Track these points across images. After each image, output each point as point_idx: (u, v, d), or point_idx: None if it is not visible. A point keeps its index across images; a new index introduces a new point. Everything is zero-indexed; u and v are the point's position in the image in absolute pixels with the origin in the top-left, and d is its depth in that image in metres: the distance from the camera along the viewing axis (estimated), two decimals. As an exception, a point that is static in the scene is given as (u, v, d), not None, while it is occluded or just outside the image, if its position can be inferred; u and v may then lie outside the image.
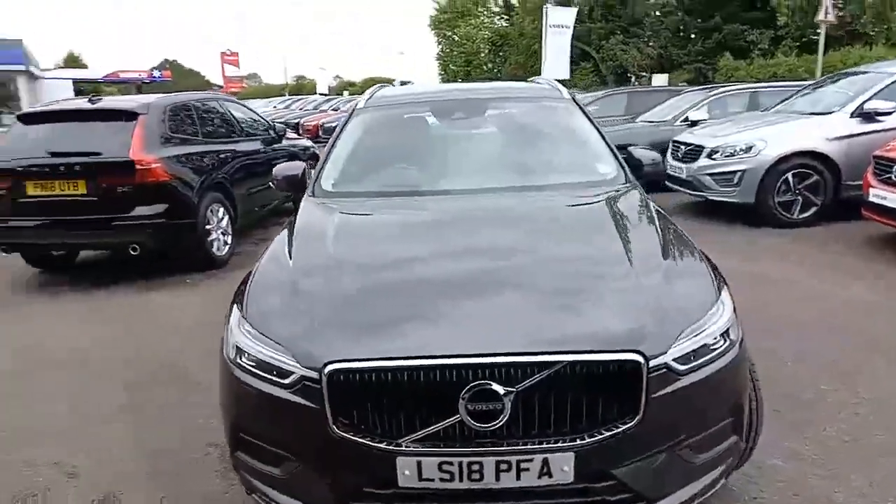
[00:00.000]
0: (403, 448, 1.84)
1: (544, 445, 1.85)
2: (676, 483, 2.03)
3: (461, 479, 1.88)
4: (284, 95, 41.39)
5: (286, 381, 1.93)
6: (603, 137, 3.36)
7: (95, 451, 3.01)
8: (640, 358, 1.85)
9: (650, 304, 2.04)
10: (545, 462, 1.86)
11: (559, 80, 4.09)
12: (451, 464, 1.85)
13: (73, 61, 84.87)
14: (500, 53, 39.50)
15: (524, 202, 2.93)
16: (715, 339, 2.05)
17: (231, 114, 7.21)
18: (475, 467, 1.86)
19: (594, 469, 1.92)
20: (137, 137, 5.45)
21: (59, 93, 38.90)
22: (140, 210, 5.39)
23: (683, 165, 7.35)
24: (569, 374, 1.84)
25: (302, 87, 61.50)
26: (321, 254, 2.43)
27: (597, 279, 2.21)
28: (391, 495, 1.93)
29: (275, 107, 28.45)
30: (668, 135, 8.40)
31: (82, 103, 5.92)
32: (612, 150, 3.28)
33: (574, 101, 3.59)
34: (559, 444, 1.85)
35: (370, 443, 1.85)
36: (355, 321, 2.03)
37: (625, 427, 1.87)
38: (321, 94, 37.43)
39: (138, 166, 5.32)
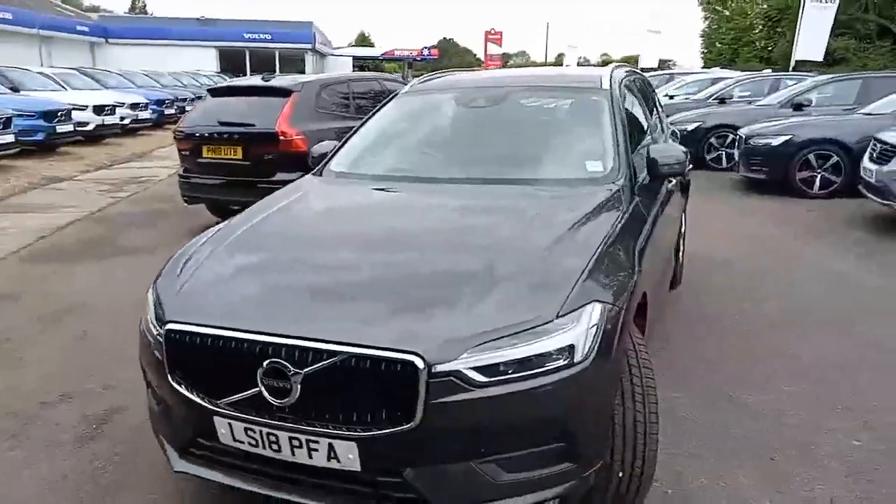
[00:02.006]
0: (219, 409, 2.03)
1: (329, 430, 1.91)
2: (473, 497, 1.94)
3: (264, 447, 2.03)
4: None
5: (153, 335, 2.22)
6: (620, 134, 3.07)
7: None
8: (418, 361, 1.81)
9: (463, 310, 1.95)
10: (331, 446, 1.93)
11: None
12: (254, 431, 2.01)
13: (362, 40, 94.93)
14: (778, 30, 35.41)
15: (483, 197, 2.86)
16: (542, 355, 1.89)
17: (389, 93, 7.73)
18: (273, 438, 1.99)
19: (382, 464, 1.94)
20: (286, 112, 6.19)
21: (340, 68, 44.14)
22: (280, 175, 6.11)
23: (874, 167, 6.18)
24: (353, 366, 1.87)
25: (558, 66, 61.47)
26: (240, 228, 2.67)
27: (445, 281, 2.13)
28: (215, 449, 2.14)
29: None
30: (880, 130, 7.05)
31: (255, 80, 6.85)
32: (618, 148, 3.01)
33: (611, 93, 3.32)
34: (342, 433, 1.90)
35: (194, 398, 2.07)
36: (207, 291, 2.24)
37: (400, 428, 1.85)
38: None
39: (281, 137, 6.07)
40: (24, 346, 4.03)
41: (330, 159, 3.43)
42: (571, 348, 1.93)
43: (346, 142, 3.54)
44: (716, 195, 8.87)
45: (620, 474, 2.19)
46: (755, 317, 4.39)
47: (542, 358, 1.90)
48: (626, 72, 3.89)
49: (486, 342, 1.87)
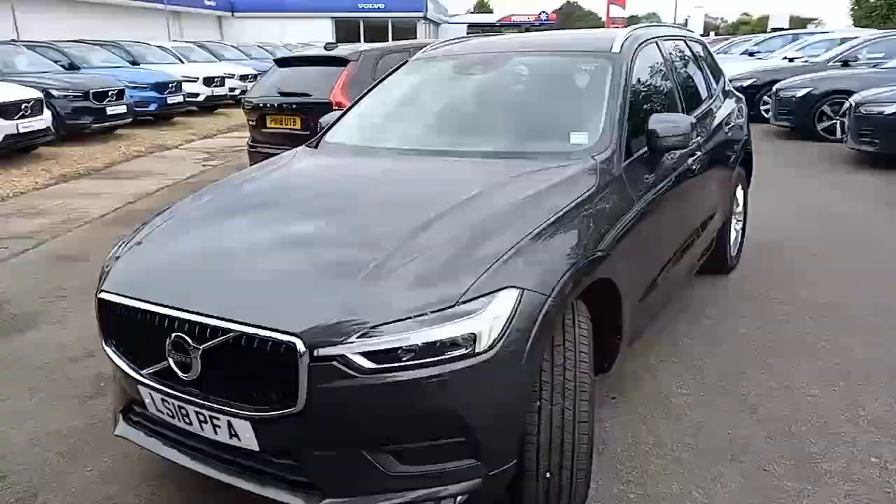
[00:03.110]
0: (141, 378, 2.08)
1: (226, 408, 1.90)
2: (365, 487, 1.87)
3: (178, 419, 2.06)
4: None
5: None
6: (618, 104, 2.79)
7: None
8: (299, 343, 1.75)
9: (357, 293, 1.85)
10: (230, 424, 1.92)
11: None
12: (168, 403, 2.04)
13: (480, 7, 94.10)
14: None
15: (444, 171, 2.71)
16: (439, 342, 1.77)
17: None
18: (184, 412, 2.01)
19: (276, 445, 1.92)
20: (341, 82, 6.22)
21: (451, 35, 44.01)
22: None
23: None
24: (244, 344, 1.84)
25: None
26: (197, 198, 2.70)
27: (350, 260, 2.01)
28: (148, 417, 2.20)
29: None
30: None
31: (317, 50, 6.92)
32: (611, 119, 2.74)
33: (619, 58, 3.02)
34: (238, 411, 1.88)
35: (123, 366, 2.13)
36: (135, 263, 2.27)
37: (286, 411, 1.80)
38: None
39: (335, 107, 6.10)
40: (76, 305, 4.35)
41: (327, 130, 3.39)
42: (473, 337, 1.80)
43: (345, 113, 3.48)
44: (814, 169, 8.04)
45: (548, 475, 2.03)
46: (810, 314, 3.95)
47: (440, 346, 1.78)
48: (655, 34, 3.53)
49: (376, 326, 1.77)
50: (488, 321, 1.82)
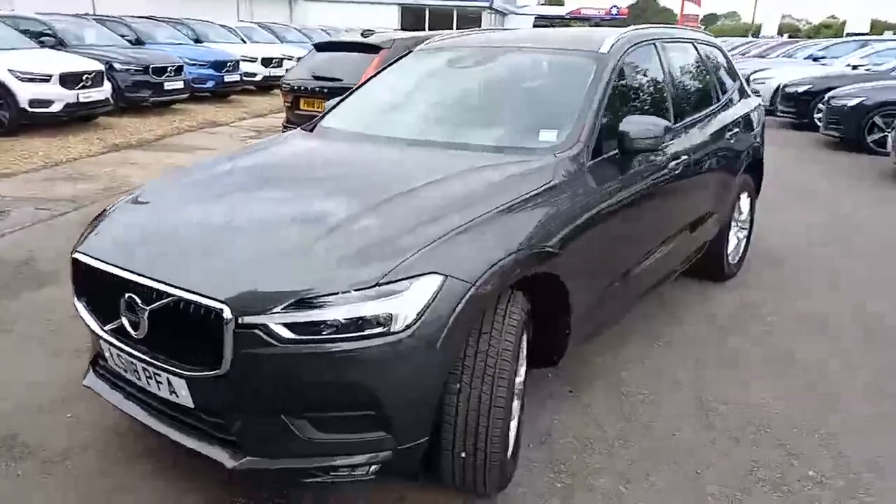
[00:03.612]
0: (102, 333, 2.28)
1: (166, 366, 2.07)
2: (283, 450, 2.02)
3: (130, 374, 2.26)
4: (747, 37, 37.42)
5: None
6: (595, 103, 2.84)
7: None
8: (226, 310, 1.90)
9: (287, 266, 1.99)
10: (169, 381, 2.10)
11: None
12: (122, 358, 2.23)
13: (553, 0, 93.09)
14: None
15: (409, 160, 2.80)
16: (357, 319, 1.89)
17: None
18: (133, 367, 2.20)
19: (210, 403, 2.08)
20: (371, 68, 6.37)
21: (518, 26, 43.73)
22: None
23: None
24: (181, 308, 2.00)
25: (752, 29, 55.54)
26: (184, 173, 2.89)
27: (288, 236, 2.15)
28: (107, 368, 2.41)
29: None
30: None
31: (353, 36, 7.09)
32: (583, 117, 2.79)
33: (606, 59, 3.05)
34: (175, 369, 2.05)
35: (89, 321, 2.33)
36: (107, 228, 2.46)
37: (212, 373, 1.96)
38: (765, 38, 33.65)
39: (360, 93, 6.26)
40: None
41: (326, 114, 3.54)
42: (390, 317, 1.91)
43: (344, 98, 3.62)
44: (855, 183, 7.76)
45: (463, 455, 2.14)
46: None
47: (359, 322, 1.90)
48: (655, 35, 3.53)
49: (301, 300, 1.90)
50: (406, 303, 1.93)
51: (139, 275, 2.09)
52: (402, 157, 2.83)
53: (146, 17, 15.59)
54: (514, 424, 2.42)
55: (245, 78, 14.83)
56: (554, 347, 2.72)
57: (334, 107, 3.58)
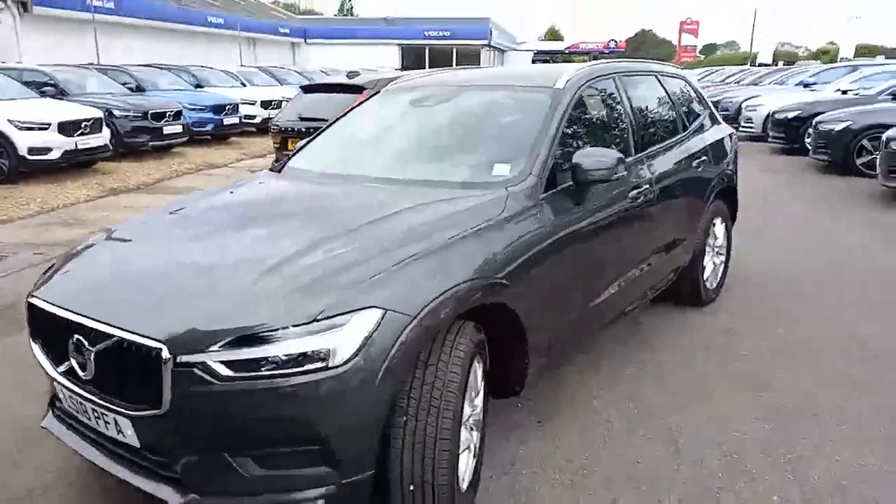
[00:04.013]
0: (54, 375, 2.31)
1: (112, 406, 2.10)
2: (226, 488, 2.03)
3: (81, 415, 2.28)
4: (745, 65, 37.66)
5: None
6: (548, 138, 2.90)
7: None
8: (163, 350, 1.93)
9: (224, 304, 2.03)
10: (116, 421, 2.13)
11: None
12: (73, 398, 2.26)
13: (552, 35, 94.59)
14: None
15: (358, 197, 2.85)
16: (295, 355, 1.92)
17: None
18: (83, 408, 2.23)
19: (154, 442, 2.10)
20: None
21: (517, 62, 44.48)
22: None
23: None
24: (123, 348, 2.04)
25: (748, 56, 56.00)
26: (143, 219, 2.96)
27: (224, 275, 2.21)
28: (64, 410, 2.43)
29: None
30: None
31: (340, 78, 7.25)
32: (536, 152, 2.85)
33: (561, 94, 3.12)
34: (121, 409, 2.08)
35: (42, 362, 2.37)
36: (60, 273, 2.50)
37: (154, 412, 1.99)
38: (761, 65, 33.97)
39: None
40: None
41: (293, 155, 3.62)
42: (328, 352, 1.94)
43: (311, 140, 3.71)
44: (845, 206, 7.77)
45: (412, 488, 2.14)
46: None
47: (298, 358, 1.92)
48: (614, 70, 3.61)
49: (238, 338, 1.93)
50: (345, 338, 1.96)
51: (84, 316, 2.14)
52: (357, 195, 2.88)
53: (148, 65, 15.98)
54: (467, 456, 2.43)
55: (245, 120, 15.11)
56: (514, 378, 2.73)
57: (302, 147, 3.66)
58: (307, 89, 7.46)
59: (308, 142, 3.71)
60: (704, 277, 4.35)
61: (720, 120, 4.66)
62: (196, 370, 1.92)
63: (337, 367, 1.94)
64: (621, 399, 3.28)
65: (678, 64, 56.48)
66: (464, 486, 2.40)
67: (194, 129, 13.15)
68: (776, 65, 31.52)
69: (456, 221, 2.48)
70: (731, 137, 4.66)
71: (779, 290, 4.81)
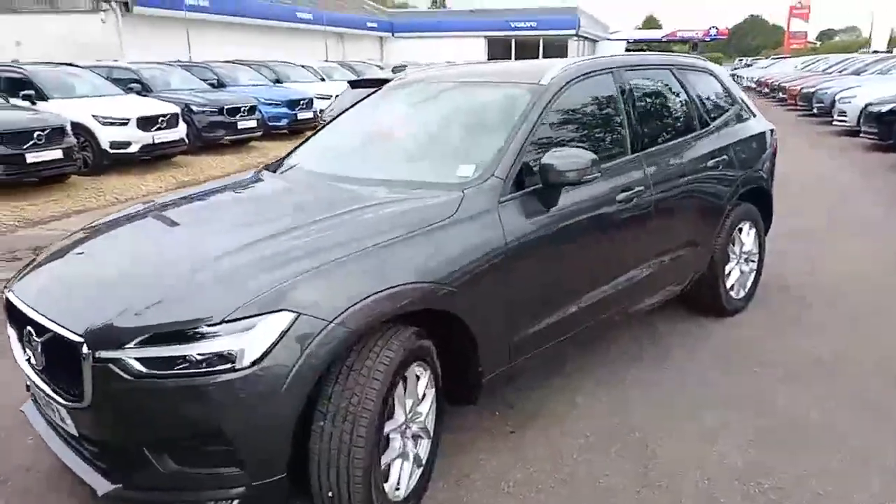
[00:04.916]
0: (21, 363, 2.45)
1: (56, 396, 2.22)
2: (143, 481, 2.11)
3: (41, 401, 2.42)
4: (867, 51, 34.80)
5: None
6: (520, 136, 2.79)
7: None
8: (84, 345, 2.02)
9: (142, 303, 2.07)
10: (58, 410, 2.24)
11: None
12: (33, 387, 2.40)
13: (649, 23, 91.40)
14: None
15: (332, 194, 2.84)
16: (206, 355, 1.96)
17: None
18: (41, 396, 2.37)
19: (86, 432, 2.20)
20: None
21: (608, 53, 43.35)
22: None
23: None
24: (58, 341, 2.14)
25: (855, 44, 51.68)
26: (119, 215, 3.06)
27: (152, 273, 2.27)
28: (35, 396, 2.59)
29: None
30: None
31: (386, 73, 7.29)
32: (504, 151, 2.75)
33: (543, 91, 3.00)
34: (60, 399, 2.19)
35: (14, 351, 2.51)
36: (37, 267, 2.62)
37: (78, 405, 2.09)
38: (875, 52, 31.41)
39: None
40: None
41: (291, 152, 3.67)
42: (237, 354, 1.96)
43: (308, 138, 3.75)
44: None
45: (330, 494, 2.13)
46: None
47: (208, 358, 1.96)
48: (613, 65, 3.41)
49: (153, 336, 1.99)
50: (253, 340, 1.97)
51: (32, 309, 2.27)
52: (320, 194, 2.89)
53: (231, 62, 16.70)
54: (406, 465, 2.39)
55: (320, 114, 15.48)
56: (472, 385, 2.67)
57: (300, 144, 3.71)
58: (354, 84, 7.56)
59: (306, 139, 3.75)
60: (728, 286, 4.07)
61: (754, 116, 4.33)
62: (112, 366, 1.98)
63: (244, 368, 1.95)
64: (604, 413, 3.12)
65: (787, 52, 53.03)
66: (400, 494, 2.37)
67: (270, 123, 13.63)
68: (891, 52, 29.02)
69: (400, 223, 2.43)
70: (766, 135, 4.32)
71: (819, 301, 4.44)
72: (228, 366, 1.96)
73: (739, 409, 3.12)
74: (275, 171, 3.46)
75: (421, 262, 2.34)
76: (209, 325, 1.97)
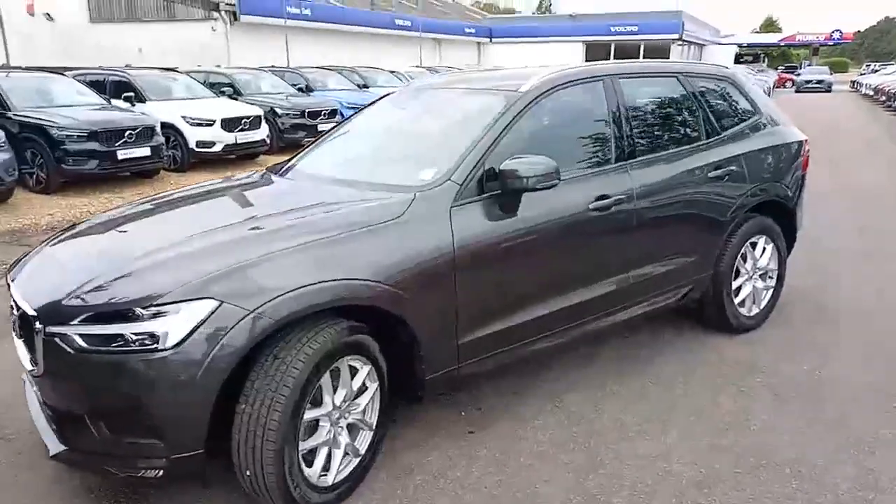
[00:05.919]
0: (14, 337, 2.77)
1: (28, 364, 2.49)
2: (84, 446, 2.35)
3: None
4: None
5: None
6: (484, 142, 2.85)
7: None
8: (37, 321, 2.29)
9: (93, 284, 2.30)
10: (31, 378, 2.54)
11: None
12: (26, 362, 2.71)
13: (769, 26, 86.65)
14: None
15: (295, 192, 3.05)
16: (135, 334, 2.16)
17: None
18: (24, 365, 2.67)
19: (44, 397, 2.49)
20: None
21: (716, 58, 41.50)
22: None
23: None
24: (27, 318, 2.42)
25: None
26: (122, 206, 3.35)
27: (108, 259, 2.50)
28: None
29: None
30: None
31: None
32: (465, 156, 2.82)
33: (520, 99, 3.04)
34: (28, 368, 2.48)
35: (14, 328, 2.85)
36: (36, 251, 2.94)
37: (35, 375, 2.38)
38: None
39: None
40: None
41: (296, 155, 3.87)
42: (164, 335, 2.15)
43: (314, 142, 3.93)
44: None
45: (248, 473, 2.29)
46: (789, 385, 3.39)
47: (138, 337, 2.16)
48: (608, 71, 3.38)
49: (93, 314, 2.23)
50: (176, 324, 2.16)
51: (16, 289, 2.57)
52: (284, 192, 3.10)
53: (324, 68, 17.44)
54: (334, 451, 2.51)
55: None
56: (416, 383, 2.75)
57: (305, 148, 3.90)
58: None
59: (315, 141, 3.94)
60: (737, 302, 3.91)
61: (777, 126, 4.11)
62: (57, 340, 2.24)
63: (166, 349, 2.15)
64: (568, 422, 3.10)
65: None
66: (328, 479, 2.49)
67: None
68: None
69: (345, 222, 2.56)
70: (791, 146, 4.09)
71: (839, 321, 4.17)
72: (154, 346, 2.15)
73: (710, 433, 3.01)
74: (275, 172, 3.68)
75: (357, 260, 2.46)
76: (142, 308, 2.18)
